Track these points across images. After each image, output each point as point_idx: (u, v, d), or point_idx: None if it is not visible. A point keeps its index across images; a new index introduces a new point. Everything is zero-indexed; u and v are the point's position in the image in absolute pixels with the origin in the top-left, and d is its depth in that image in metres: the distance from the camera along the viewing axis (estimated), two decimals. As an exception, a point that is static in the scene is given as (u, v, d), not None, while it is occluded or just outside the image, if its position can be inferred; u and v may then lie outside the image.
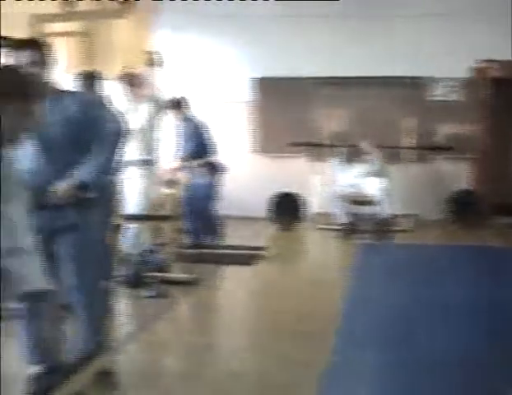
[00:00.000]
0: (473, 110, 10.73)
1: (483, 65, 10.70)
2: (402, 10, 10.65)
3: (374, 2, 10.40)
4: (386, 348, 5.08)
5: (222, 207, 9.13)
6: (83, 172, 3.83)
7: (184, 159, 8.41)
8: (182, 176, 8.62)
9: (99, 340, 4.13)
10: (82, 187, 3.82)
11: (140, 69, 7.86)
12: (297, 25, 10.94)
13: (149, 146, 7.24)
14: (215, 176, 8.55)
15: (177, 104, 8.44)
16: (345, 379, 4.52)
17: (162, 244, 7.54)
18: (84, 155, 3.86)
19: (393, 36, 10.83)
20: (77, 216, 3.88)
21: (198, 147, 8.44)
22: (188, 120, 8.54)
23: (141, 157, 7.06)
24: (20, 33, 6.69)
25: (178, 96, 8.53)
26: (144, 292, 6.46)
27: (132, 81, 7.15)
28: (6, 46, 3.88)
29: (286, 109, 11.09)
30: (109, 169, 4.17)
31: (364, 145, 10.05)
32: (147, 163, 7.20)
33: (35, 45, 3.85)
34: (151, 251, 7.06)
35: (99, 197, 3.99)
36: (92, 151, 3.88)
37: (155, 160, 7.36)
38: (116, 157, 4.08)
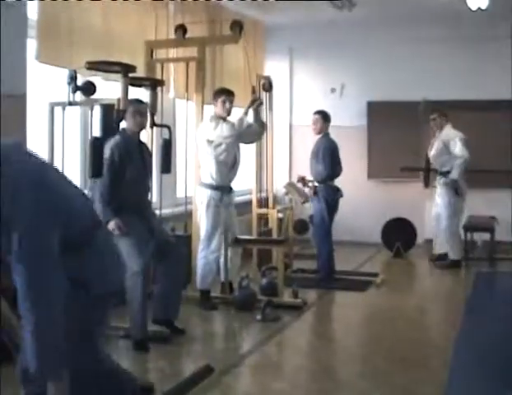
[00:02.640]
0: None
1: None
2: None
3: (486, 24, 10.10)
4: (500, 384, 4.78)
5: (336, 233, 9.07)
6: None
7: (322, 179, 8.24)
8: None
9: None
10: None
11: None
12: (409, 50, 10.79)
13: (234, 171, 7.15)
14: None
15: (325, 116, 8.40)
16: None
17: (272, 268, 7.53)
18: None
19: (509, 58, 10.49)
20: None
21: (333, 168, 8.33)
22: (327, 136, 8.37)
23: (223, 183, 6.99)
24: (133, 59, 6.85)
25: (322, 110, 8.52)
26: (253, 315, 6.43)
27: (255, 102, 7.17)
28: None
29: (398, 133, 10.90)
30: None
31: None
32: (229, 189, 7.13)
33: None
34: (247, 276, 7.02)
35: None
36: None
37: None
38: None
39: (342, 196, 8.38)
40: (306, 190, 8.49)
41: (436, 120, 9.47)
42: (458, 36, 10.54)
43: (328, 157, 8.16)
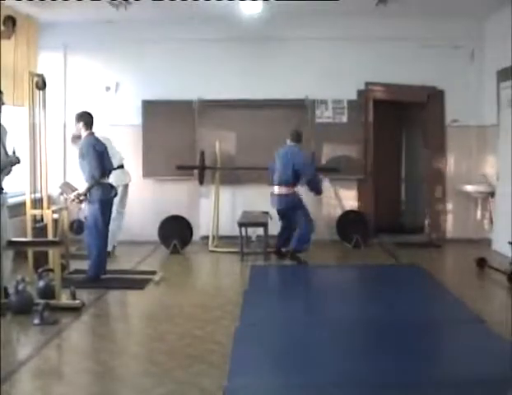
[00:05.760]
0: (359, 132, 11.04)
1: (368, 87, 11.05)
2: (291, 33, 10.88)
3: (261, 26, 10.54)
4: (280, 372, 5.08)
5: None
6: None
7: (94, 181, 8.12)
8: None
9: None
10: None
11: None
12: (185, 49, 11.01)
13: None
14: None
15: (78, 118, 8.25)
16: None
17: (48, 270, 7.37)
18: None
19: (280, 59, 11.05)
20: None
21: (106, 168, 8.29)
22: (89, 136, 8.23)
23: None
24: None
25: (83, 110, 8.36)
26: (31, 319, 6.29)
27: None
28: None
29: (174, 132, 11.05)
30: None
31: None
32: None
33: None
34: (23, 279, 6.85)
35: None
36: None
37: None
38: None
39: (116, 194, 8.40)
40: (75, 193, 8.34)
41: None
42: (234, 37, 10.91)
43: (89, 157, 8.09)
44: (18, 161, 7.33)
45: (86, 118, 8.24)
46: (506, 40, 9.60)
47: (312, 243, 9.68)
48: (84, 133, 8.22)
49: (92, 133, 8.24)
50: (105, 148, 8.32)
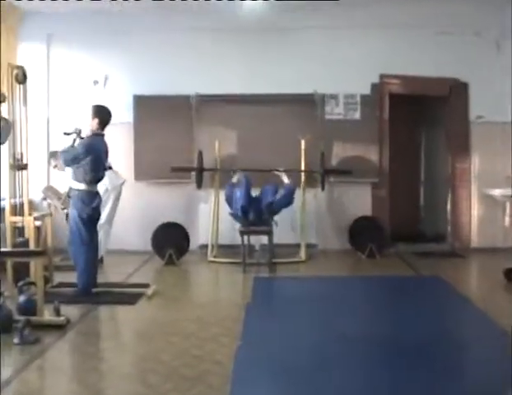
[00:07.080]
0: (373, 130, 10.96)
1: (383, 80, 10.98)
2: (297, 22, 10.83)
3: (265, 14, 10.50)
4: (285, 390, 5.04)
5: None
6: None
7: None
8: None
9: None
10: None
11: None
12: (181, 39, 10.97)
13: None
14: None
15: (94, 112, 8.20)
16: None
17: (30, 284, 7.29)
18: None
19: (287, 50, 11.01)
20: None
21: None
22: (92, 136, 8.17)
23: None
24: None
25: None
26: (10, 338, 6.21)
27: None
28: None
29: (169, 130, 11.00)
30: None
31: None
32: None
33: None
34: (2, 294, 6.79)
35: None
36: None
37: None
38: None
39: (100, 203, 8.30)
40: None
41: None
42: (236, 26, 10.89)
43: (85, 160, 8.02)
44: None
45: (104, 116, 8.19)
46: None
47: (321, 253, 9.61)
48: (92, 131, 8.14)
49: (100, 135, 8.17)
50: (104, 152, 8.24)
